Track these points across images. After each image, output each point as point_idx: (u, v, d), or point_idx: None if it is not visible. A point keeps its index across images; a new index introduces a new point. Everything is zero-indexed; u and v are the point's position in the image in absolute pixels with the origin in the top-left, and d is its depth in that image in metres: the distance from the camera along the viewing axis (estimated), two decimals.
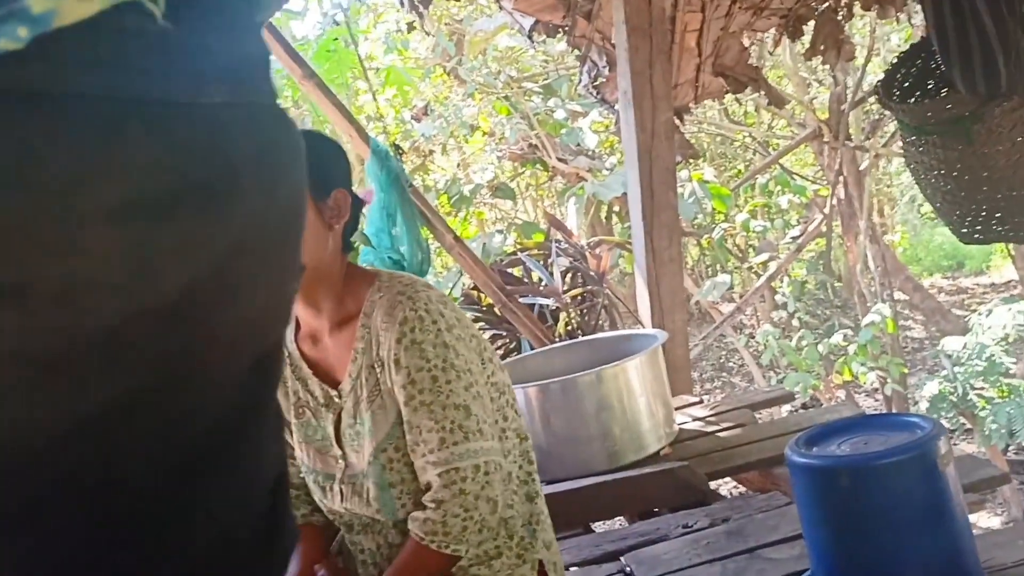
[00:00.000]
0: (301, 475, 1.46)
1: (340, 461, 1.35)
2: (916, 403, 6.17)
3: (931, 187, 1.51)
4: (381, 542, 1.36)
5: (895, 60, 1.61)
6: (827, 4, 3.26)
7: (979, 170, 1.40)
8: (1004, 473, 1.93)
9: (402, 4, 3.47)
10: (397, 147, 3.12)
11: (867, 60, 5.39)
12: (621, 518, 2.73)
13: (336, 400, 1.36)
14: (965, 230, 1.50)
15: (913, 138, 1.51)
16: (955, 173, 1.41)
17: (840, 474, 1.44)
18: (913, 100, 1.48)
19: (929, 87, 1.47)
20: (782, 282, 6.47)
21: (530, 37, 3.51)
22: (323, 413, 1.37)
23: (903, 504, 1.40)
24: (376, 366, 1.31)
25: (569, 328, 3.60)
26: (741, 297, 7.03)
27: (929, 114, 1.40)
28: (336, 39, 5.42)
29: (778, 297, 6.52)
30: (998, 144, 1.38)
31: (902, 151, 1.74)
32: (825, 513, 1.49)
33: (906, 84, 1.51)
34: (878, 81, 1.59)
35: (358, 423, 1.33)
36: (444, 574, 1.31)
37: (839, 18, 3.24)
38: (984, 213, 1.45)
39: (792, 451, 1.51)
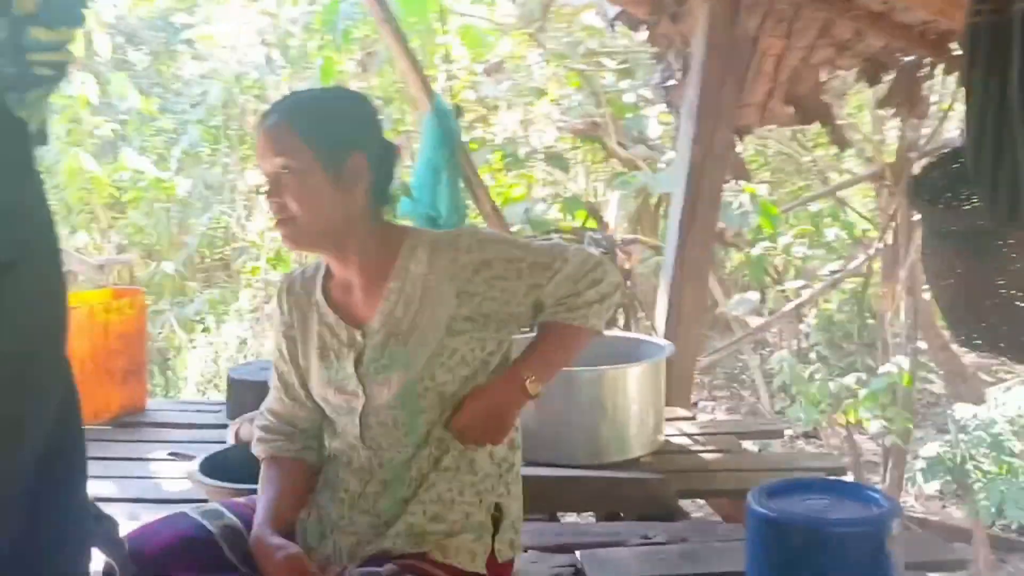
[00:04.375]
0: (304, 419, 1.54)
1: (361, 396, 1.43)
2: (915, 457, 6.17)
3: (939, 288, 1.54)
4: (364, 488, 1.44)
5: (933, 159, 1.62)
6: (911, 59, 3.22)
7: (991, 285, 1.42)
8: (961, 559, 1.97)
9: None
10: (458, 108, 3.16)
11: (946, 113, 5.29)
12: (585, 514, 2.81)
13: (359, 340, 1.44)
14: (964, 337, 1.53)
15: (932, 239, 1.54)
16: (966, 282, 1.43)
17: (791, 532, 1.50)
18: (942, 203, 1.50)
19: (961, 194, 1.49)
20: (810, 312, 6.45)
21: (612, 25, 3.51)
22: (345, 353, 1.45)
23: (843, 574, 1.46)
24: (414, 302, 1.40)
25: None
26: (770, 315, 7.00)
27: (953, 223, 1.42)
28: None
29: (803, 326, 6.51)
30: (1015, 264, 1.40)
31: (920, 246, 1.76)
32: (769, 563, 1.56)
33: (940, 184, 1.53)
34: (912, 176, 1.61)
35: (385, 358, 1.41)
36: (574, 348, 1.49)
37: (920, 75, 3.21)
38: (984, 325, 1.47)
39: (753, 498, 1.58)
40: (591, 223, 4.78)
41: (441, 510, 1.41)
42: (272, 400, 1.58)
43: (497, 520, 1.46)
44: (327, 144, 1.38)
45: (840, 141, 3.61)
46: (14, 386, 0.86)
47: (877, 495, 1.57)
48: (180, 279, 7.58)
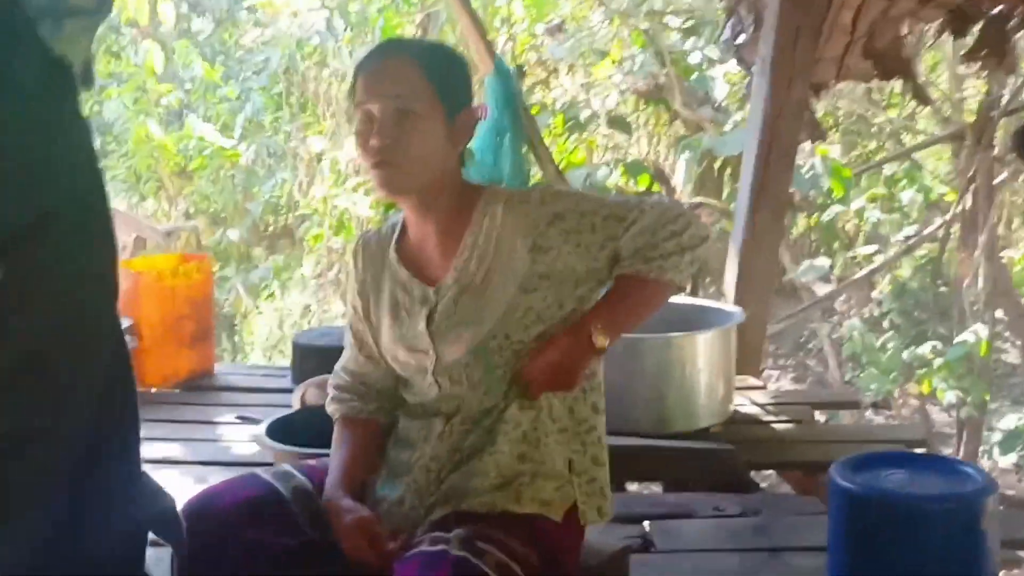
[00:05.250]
0: (378, 378, 1.51)
1: (431, 353, 1.40)
2: (991, 430, 5.95)
3: None
4: (445, 429, 1.39)
5: None
6: (1000, 9, 3.02)
7: None
8: None
9: None
10: (520, 68, 3.09)
11: None
12: (653, 484, 2.76)
13: (432, 296, 1.41)
14: None
15: None
16: None
17: (877, 507, 1.43)
18: None
19: None
20: (883, 279, 6.24)
21: None
22: (417, 310, 1.42)
23: (934, 553, 1.39)
24: (487, 256, 1.37)
25: None
26: (840, 282, 6.80)
27: None
28: None
29: (875, 293, 6.30)
30: None
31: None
32: (854, 539, 1.48)
33: None
34: (1017, 129, 1.49)
35: (457, 314, 1.38)
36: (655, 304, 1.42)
37: (1008, 27, 3.01)
38: None
39: (836, 472, 1.50)
40: (656, 188, 4.66)
41: (527, 449, 1.37)
42: (347, 359, 1.56)
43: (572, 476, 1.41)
44: (449, 92, 1.36)
45: (921, 97, 3.43)
46: (59, 345, 0.79)
47: (971, 470, 1.49)
48: (245, 246, 7.71)
